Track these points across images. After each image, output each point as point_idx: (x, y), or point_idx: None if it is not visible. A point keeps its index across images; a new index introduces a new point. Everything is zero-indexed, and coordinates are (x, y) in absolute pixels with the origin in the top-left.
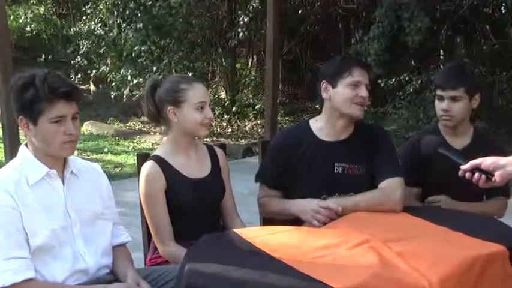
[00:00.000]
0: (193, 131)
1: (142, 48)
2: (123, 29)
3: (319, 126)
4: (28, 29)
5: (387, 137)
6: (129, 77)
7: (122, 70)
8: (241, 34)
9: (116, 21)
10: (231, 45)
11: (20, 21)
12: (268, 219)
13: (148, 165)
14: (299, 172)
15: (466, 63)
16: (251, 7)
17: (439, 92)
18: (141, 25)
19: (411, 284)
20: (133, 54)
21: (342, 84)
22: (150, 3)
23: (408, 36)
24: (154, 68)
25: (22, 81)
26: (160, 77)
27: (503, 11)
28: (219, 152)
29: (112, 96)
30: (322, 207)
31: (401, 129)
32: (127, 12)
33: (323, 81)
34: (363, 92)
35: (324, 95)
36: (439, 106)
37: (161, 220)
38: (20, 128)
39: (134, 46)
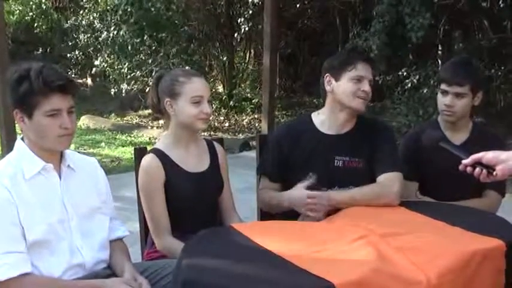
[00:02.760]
0: (190, 125)
1: (136, 41)
2: (118, 23)
3: (321, 119)
4: (27, 18)
5: (388, 131)
6: (126, 70)
7: (119, 64)
8: (239, 29)
9: (112, 15)
10: (228, 39)
11: (22, 15)
12: (266, 214)
13: (148, 158)
14: (299, 165)
15: (472, 59)
16: (249, 1)
17: (443, 87)
18: (133, 19)
19: (409, 279)
20: (129, 48)
21: (345, 77)
22: None
23: (411, 32)
24: (150, 61)
25: (17, 74)
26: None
27: (501, 5)
28: (219, 147)
29: (112, 92)
30: (309, 197)
31: (401, 126)
32: (122, 6)
33: (327, 74)
34: (366, 86)
35: (327, 88)
36: (442, 100)
37: (159, 213)
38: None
39: (129, 40)
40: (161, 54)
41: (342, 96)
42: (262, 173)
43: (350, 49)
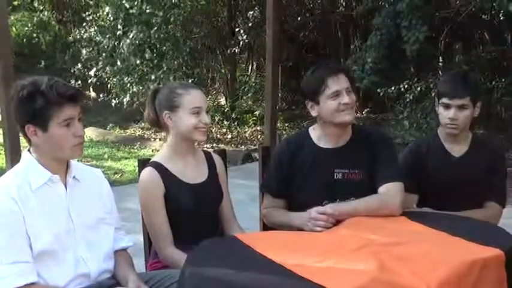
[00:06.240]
0: (189, 135)
1: (137, 61)
2: (120, 37)
3: (317, 134)
4: (29, 30)
5: (388, 142)
6: (128, 85)
7: (122, 78)
8: (241, 42)
9: (114, 29)
10: (231, 51)
11: (25, 28)
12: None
13: (146, 172)
14: (300, 179)
15: (469, 71)
16: (251, 14)
17: (445, 101)
18: (136, 32)
19: None
20: (131, 62)
21: (322, 99)
22: (148, 11)
23: (406, 45)
24: (153, 77)
25: (27, 90)
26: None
27: (501, 18)
28: (216, 158)
29: (112, 104)
30: (319, 213)
31: (405, 140)
32: (124, 20)
33: (307, 100)
34: (345, 98)
35: (313, 113)
36: (445, 114)
37: (160, 226)
38: (20, 134)
39: (131, 55)
40: (164, 68)
41: (327, 116)
42: (266, 191)
43: (315, 68)
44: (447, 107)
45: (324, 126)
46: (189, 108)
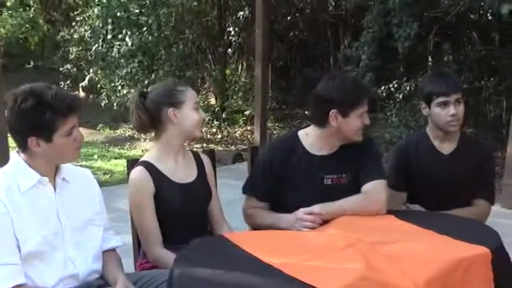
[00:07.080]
0: (191, 131)
1: (130, 66)
2: (111, 40)
3: (310, 141)
4: (18, 31)
5: (371, 142)
6: (120, 87)
7: (112, 80)
8: (231, 42)
9: (105, 31)
10: (221, 51)
11: (8, 27)
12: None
13: (136, 171)
14: (289, 185)
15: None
16: (241, 14)
17: (442, 99)
18: (130, 36)
19: (397, 287)
20: (123, 65)
21: (353, 115)
22: (137, 12)
23: (398, 42)
24: (146, 82)
25: (30, 102)
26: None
27: (489, 18)
28: (205, 158)
29: (102, 104)
30: (306, 213)
31: (393, 138)
32: (113, 23)
33: (333, 111)
34: (367, 120)
35: (333, 123)
36: (444, 113)
37: (150, 225)
38: (14, 142)
39: (124, 59)
40: (156, 72)
41: (348, 132)
42: (251, 193)
43: (355, 84)
44: (445, 104)
45: (329, 137)
46: (191, 103)
